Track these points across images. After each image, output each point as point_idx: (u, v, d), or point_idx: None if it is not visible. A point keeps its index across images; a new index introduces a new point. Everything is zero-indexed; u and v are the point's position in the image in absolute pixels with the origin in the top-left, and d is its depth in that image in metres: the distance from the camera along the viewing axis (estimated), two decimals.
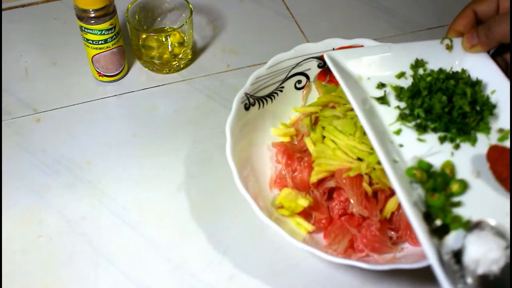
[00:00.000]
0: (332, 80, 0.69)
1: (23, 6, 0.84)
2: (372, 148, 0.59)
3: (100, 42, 0.68)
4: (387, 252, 0.57)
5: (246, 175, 0.58)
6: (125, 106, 0.72)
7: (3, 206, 0.62)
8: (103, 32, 0.67)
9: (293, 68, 0.66)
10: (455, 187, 0.49)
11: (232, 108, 0.60)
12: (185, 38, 0.74)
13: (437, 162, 0.51)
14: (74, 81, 0.74)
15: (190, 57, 0.76)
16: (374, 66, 0.57)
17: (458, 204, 0.48)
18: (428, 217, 0.46)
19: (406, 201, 0.45)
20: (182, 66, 0.76)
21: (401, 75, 0.58)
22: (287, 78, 0.66)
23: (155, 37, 0.74)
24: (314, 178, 0.59)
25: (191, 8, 0.72)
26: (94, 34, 0.67)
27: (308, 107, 0.66)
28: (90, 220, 0.61)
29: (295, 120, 0.67)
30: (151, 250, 0.59)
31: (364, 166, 0.57)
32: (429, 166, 0.50)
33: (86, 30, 0.67)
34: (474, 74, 0.56)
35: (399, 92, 0.56)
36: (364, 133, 0.60)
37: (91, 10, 0.65)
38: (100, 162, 0.66)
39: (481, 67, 0.56)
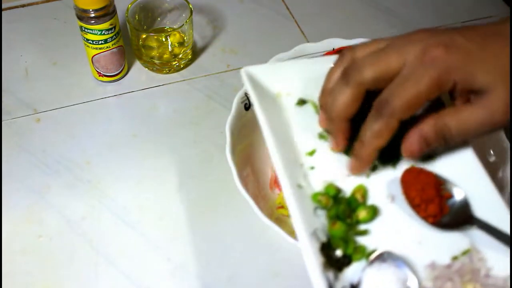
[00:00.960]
0: None
1: (23, 6, 0.84)
2: None
3: (100, 42, 0.68)
4: None
5: (246, 175, 0.58)
6: (125, 106, 0.72)
7: (3, 206, 0.62)
8: (103, 32, 0.67)
9: None
10: (362, 214, 0.45)
11: (232, 108, 0.60)
12: (185, 38, 0.74)
13: (351, 185, 0.47)
14: (74, 81, 0.74)
15: (190, 57, 0.76)
16: (297, 80, 0.52)
17: (364, 232, 0.45)
18: (329, 247, 0.43)
19: (301, 230, 0.41)
20: (182, 66, 0.76)
21: None
22: None
23: (155, 37, 0.74)
24: None
25: (191, 8, 0.72)
26: (94, 34, 0.67)
27: None
28: (90, 220, 0.61)
29: None
30: (151, 250, 0.59)
31: None
32: (337, 191, 0.46)
33: (86, 30, 0.67)
34: None
35: (318, 109, 0.51)
36: None
37: (91, 10, 0.65)
38: (100, 162, 0.66)
39: None
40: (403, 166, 0.48)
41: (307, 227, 0.42)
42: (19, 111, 0.71)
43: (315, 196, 0.45)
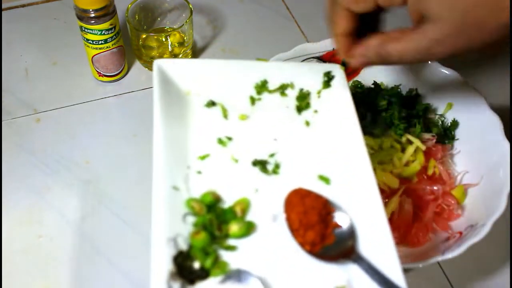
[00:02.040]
0: None
1: (23, 6, 0.84)
2: (372, 149, 0.59)
3: (100, 42, 0.68)
4: None
5: None
6: (125, 106, 0.72)
7: (3, 206, 0.62)
8: (103, 32, 0.67)
9: None
10: (233, 228, 0.42)
11: None
12: (185, 38, 0.74)
13: (235, 197, 0.44)
14: (74, 81, 0.74)
15: (190, 57, 0.76)
16: (210, 81, 0.50)
17: (231, 248, 0.42)
18: (186, 257, 0.40)
19: (158, 232, 0.39)
20: None
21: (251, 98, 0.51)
22: None
23: (155, 37, 0.74)
24: None
25: (191, 8, 0.72)
26: (94, 34, 0.67)
27: None
28: (90, 220, 0.61)
29: None
30: (151, 250, 0.59)
31: None
32: (216, 200, 0.44)
33: (86, 30, 0.67)
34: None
35: (226, 114, 0.50)
36: (365, 134, 0.60)
37: (91, 10, 0.65)
38: (100, 162, 0.66)
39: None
40: (292, 186, 0.45)
41: (166, 231, 0.40)
42: (19, 111, 0.71)
43: (188, 202, 0.43)
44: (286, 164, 0.47)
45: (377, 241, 0.42)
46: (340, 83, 0.50)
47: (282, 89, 0.51)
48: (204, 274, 0.40)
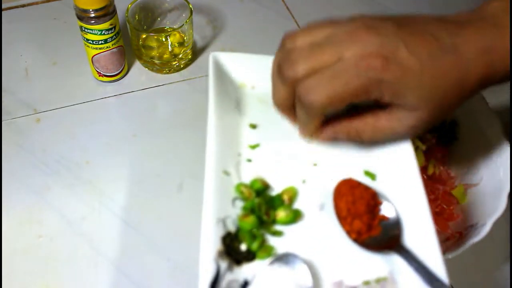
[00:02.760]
0: None
1: (23, 6, 0.84)
2: None
3: (100, 42, 0.68)
4: None
5: None
6: (125, 106, 0.72)
7: (3, 206, 0.62)
8: (103, 32, 0.67)
9: None
10: (281, 214, 0.44)
11: None
12: (185, 38, 0.74)
13: (283, 185, 0.46)
14: (74, 81, 0.74)
15: (190, 57, 0.76)
16: (265, 74, 0.50)
17: (278, 233, 0.43)
18: (234, 238, 0.42)
19: (208, 212, 0.41)
20: (182, 66, 0.76)
21: None
22: None
23: (155, 37, 0.74)
24: None
25: (191, 8, 0.72)
26: (94, 34, 0.67)
27: None
28: (90, 220, 0.61)
29: None
30: (151, 250, 0.59)
31: None
32: (265, 187, 0.45)
33: (86, 30, 0.67)
34: None
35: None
36: None
37: (91, 10, 0.65)
38: (100, 162, 0.66)
39: None
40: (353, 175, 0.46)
41: (216, 211, 0.42)
42: (19, 111, 0.71)
43: (238, 186, 0.44)
44: (333, 159, 0.48)
45: (421, 235, 0.42)
46: None
47: None
48: (250, 256, 0.42)
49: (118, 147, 0.68)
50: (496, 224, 0.53)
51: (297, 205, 0.45)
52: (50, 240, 0.60)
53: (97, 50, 0.69)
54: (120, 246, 0.59)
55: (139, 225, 0.61)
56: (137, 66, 0.76)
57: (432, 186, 0.59)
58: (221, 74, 0.51)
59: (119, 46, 0.70)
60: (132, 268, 0.58)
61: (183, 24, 0.71)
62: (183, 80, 0.75)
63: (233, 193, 0.44)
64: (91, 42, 0.68)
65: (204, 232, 0.41)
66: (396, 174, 0.46)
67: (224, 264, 0.40)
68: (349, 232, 0.43)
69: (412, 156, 0.46)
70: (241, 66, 0.52)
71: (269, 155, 0.48)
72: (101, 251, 0.59)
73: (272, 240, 0.43)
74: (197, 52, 0.78)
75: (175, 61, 0.75)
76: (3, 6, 0.83)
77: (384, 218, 0.44)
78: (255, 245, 0.42)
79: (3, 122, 0.69)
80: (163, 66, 0.74)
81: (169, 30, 0.77)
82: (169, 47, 0.74)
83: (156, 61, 0.74)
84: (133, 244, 0.59)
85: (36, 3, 0.84)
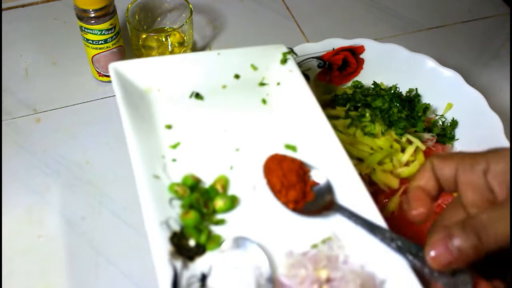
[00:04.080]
0: (332, 80, 0.69)
1: (23, 6, 0.84)
2: (372, 148, 0.59)
3: (100, 42, 0.68)
4: None
5: None
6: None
7: (3, 206, 0.62)
8: (103, 32, 0.67)
9: None
10: (219, 204, 0.45)
11: None
12: (185, 38, 0.74)
13: (213, 176, 0.47)
14: (74, 81, 0.74)
15: None
16: (168, 76, 0.53)
17: (221, 222, 0.45)
18: (181, 237, 0.42)
19: (150, 218, 0.42)
20: None
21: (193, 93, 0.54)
22: None
23: (155, 37, 0.74)
24: None
25: (191, 8, 0.72)
26: (94, 34, 0.67)
27: None
28: (90, 220, 0.61)
29: None
30: (151, 250, 0.59)
31: (365, 167, 0.57)
32: (196, 181, 0.46)
33: (86, 30, 0.67)
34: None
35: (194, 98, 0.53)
36: (365, 134, 0.60)
37: (91, 10, 0.65)
38: (100, 162, 0.66)
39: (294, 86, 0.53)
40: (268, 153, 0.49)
41: (157, 215, 0.42)
42: (19, 111, 0.71)
43: (171, 187, 0.45)
44: (253, 139, 0.50)
45: (352, 192, 0.46)
46: (291, 62, 0.54)
47: (237, 75, 0.55)
48: (201, 249, 0.42)
49: (118, 147, 0.67)
50: None
51: (231, 191, 0.47)
52: (50, 240, 0.60)
53: (97, 50, 0.69)
54: (120, 246, 0.59)
55: (139, 225, 0.61)
56: None
57: None
58: (125, 84, 0.51)
59: (119, 46, 0.70)
60: (132, 268, 0.58)
61: (183, 24, 0.71)
62: None
63: (168, 194, 0.45)
64: (91, 42, 0.68)
65: (151, 238, 0.41)
66: (315, 143, 0.49)
67: (178, 264, 0.41)
68: (286, 203, 0.46)
69: (325, 121, 0.49)
70: (143, 72, 0.53)
71: (191, 151, 0.49)
72: (101, 251, 0.59)
73: (217, 230, 0.44)
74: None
75: None
76: (3, 6, 0.83)
77: (314, 183, 0.47)
78: (203, 238, 0.43)
79: (3, 122, 0.69)
80: None
81: (169, 30, 0.77)
82: (169, 47, 0.74)
83: None
84: (133, 244, 0.59)
85: (36, 3, 0.84)
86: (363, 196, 0.45)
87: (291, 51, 0.55)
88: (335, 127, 0.59)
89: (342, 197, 0.46)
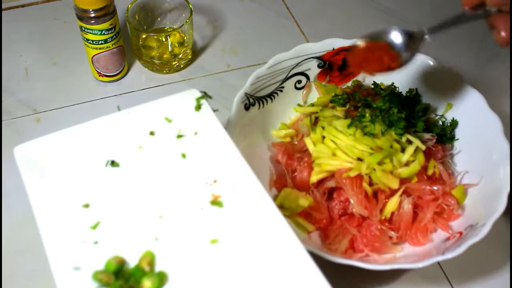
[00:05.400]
0: (332, 80, 0.69)
1: (23, 6, 0.84)
2: (372, 148, 0.59)
3: (100, 42, 0.68)
4: (387, 252, 0.57)
5: None
6: (125, 106, 0.72)
7: (3, 206, 0.62)
8: (103, 32, 0.67)
9: (293, 68, 0.66)
10: (147, 284, 0.42)
11: (232, 108, 0.60)
12: (185, 38, 0.74)
13: (138, 254, 0.44)
14: (74, 81, 0.74)
15: (190, 57, 0.76)
16: (83, 148, 0.50)
17: None
18: None
19: None
20: (182, 66, 0.76)
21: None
22: (287, 78, 0.66)
23: (155, 37, 0.74)
24: (314, 178, 0.59)
25: (191, 8, 0.72)
26: (94, 34, 0.67)
27: (308, 107, 0.66)
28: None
29: (295, 120, 0.67)
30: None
31: (364, 167, 0.57)
32: (120, 264, 0.43)
33: (86, 30, 0.67)
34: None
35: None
36: (365, 134, 0.60)
37: (91, 10, 0.65)
38: None
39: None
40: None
41: None
42: (19, 111, 0.71)
43: (95, 276, 0.42)
44: (175, 201, 0.46)
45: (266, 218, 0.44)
46: (205, 107, 0.51)
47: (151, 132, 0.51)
48: None
49: None
50: (496, 224, 0.53)
51: (159, 265, 0.43)
52: None
53: (97, 50, 0.69)
54: None
55: None
56: (137, 66, 0.76)
57: (432, 186, 0.59)
58: (33, 167, 0.49)
59: (119, 46, 0.70)
60: None
61: (183, 24, 0.71)
62: (183, 80, 0.75)
63: (93, 284, 0.42)
64: (91, 42, 0.68)
65: None
66: (238, 192, 0.46)
67: None
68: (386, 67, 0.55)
69: (246, 167, 0.47)
70: (52, 150, 0.50)
71: (113, 228, 0.45)
72: None
73: None
74: (197, 52, 0.78)
75: (175, 61, 0.75)
76: (3, 6, 0.83)
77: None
78: None
79: (3, 122, 0.69)
80: (163, 66, 0.74)
81: (169, 30, 0.77)
82: (169, 47, 0.74)
83: (156, 61, 0.74)
84: None
85: (36, 3, 0.84)
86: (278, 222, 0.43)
87: (205, 94, 0.52)
88: (335, 127, 0.59)
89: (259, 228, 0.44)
